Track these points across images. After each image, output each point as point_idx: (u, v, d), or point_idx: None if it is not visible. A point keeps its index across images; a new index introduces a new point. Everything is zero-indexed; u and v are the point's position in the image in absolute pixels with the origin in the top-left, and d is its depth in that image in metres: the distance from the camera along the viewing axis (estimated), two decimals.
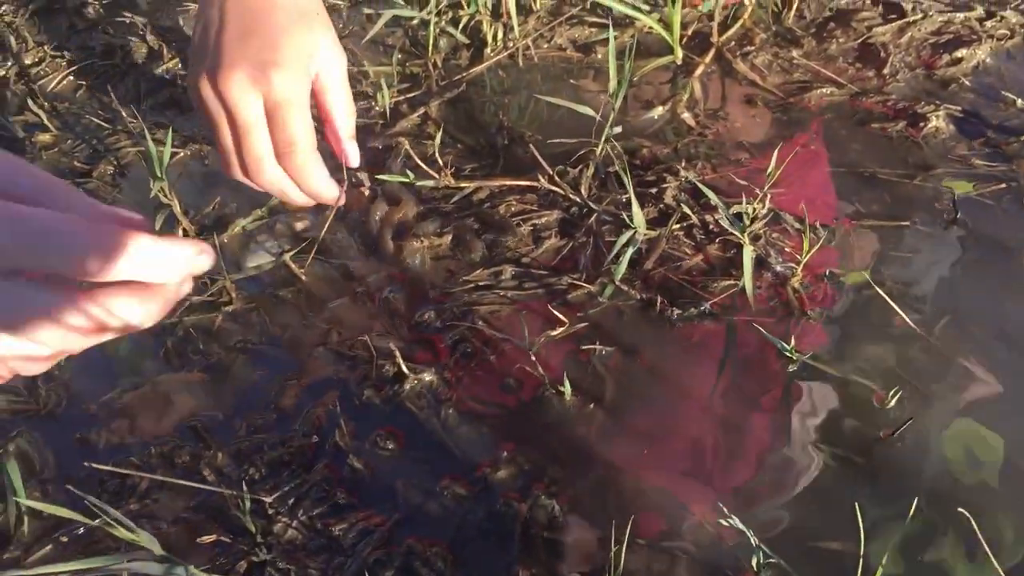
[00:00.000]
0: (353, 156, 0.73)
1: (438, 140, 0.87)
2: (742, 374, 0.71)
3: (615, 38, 1.02)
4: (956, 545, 0.57)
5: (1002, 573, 0.54)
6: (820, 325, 0.72)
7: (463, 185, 0.87)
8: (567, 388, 0.69)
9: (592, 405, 0.69)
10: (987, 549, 0.53)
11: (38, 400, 0.74)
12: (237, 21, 0.68)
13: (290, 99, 0.66)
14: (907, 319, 0.71)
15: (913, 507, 0.53)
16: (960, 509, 0.53)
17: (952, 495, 0.60)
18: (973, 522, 0.52)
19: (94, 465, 0.63)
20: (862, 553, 0.53)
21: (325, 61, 0.69)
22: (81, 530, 0.65)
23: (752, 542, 0.54)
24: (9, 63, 1.11)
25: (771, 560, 0.54)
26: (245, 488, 0.64)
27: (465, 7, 1.05)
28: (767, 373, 0.70)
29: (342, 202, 0.71)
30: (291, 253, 0.82)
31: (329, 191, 0.70)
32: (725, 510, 0.55)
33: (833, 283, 0.75)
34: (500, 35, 1.05)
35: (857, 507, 0.53)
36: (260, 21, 0.67)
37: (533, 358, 0.71)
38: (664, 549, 0.60)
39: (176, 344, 0.77)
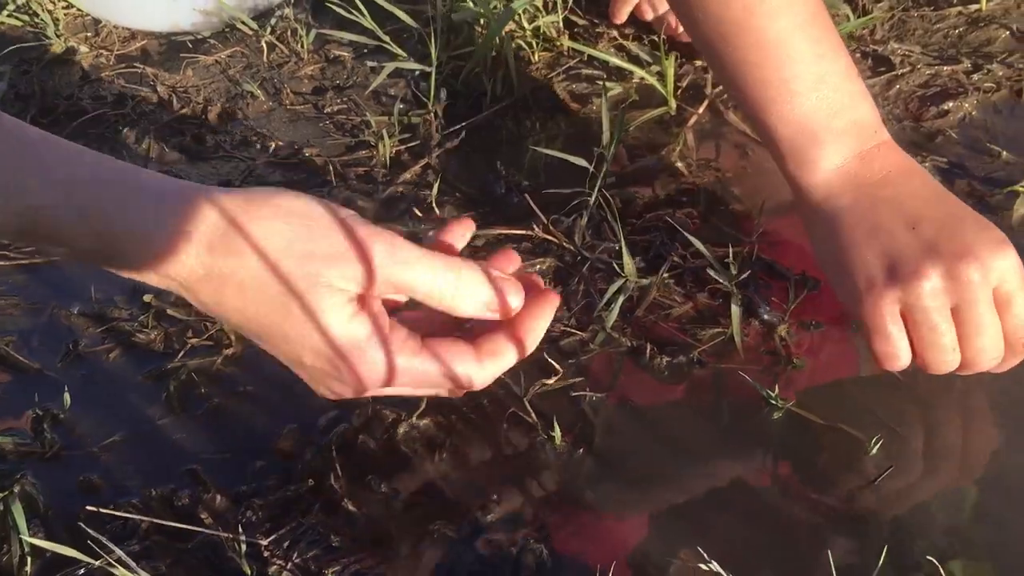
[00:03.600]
0: None
1: (435, 190, 0.89)
2: (728, 421, 0.72)
3: (611, 90, 1.05)
4: None
5: None
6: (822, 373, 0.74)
7: None
8: (557, 433, 0.70)
9: (581, 450, 0.71)
10: None
11: (43, 443, 0.76)
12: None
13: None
14: None
15: (883, 555, 0.54)
16: (929, 557, 0.55)
17: (932, 542, 0.61)
18: (941, 569, 0.54)
19: (97, 509, 0.65)
20: None
21: None
22: (82, 571, 0.67)
23: None
24: (24, 112, 1.15)
25: None
26: (241, 531, 0.65)
27: (466, 60, 1.08)
28: (753, 420, 0.71)
29: None
30: None
31: None
32: (706, 555, 0.56)
33: (818, 331, 0.77)
34: (499, 86, 1.08)
35: (829, 555, 0.54)
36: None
37: (528, 405, 0.73)
38: None
39: (178, 387, 0.79)
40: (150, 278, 0.57)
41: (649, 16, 1.06)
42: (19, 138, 0.56)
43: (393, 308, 0.62)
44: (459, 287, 0.58)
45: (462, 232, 0.68)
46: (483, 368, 0.60)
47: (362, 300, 0.57)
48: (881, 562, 0.56)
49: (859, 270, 0.66)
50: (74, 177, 0.55)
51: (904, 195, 0.69)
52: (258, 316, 0.57)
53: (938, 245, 0.64)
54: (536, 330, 0.62)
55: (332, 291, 0.55)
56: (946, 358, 0.64)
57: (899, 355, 0.65)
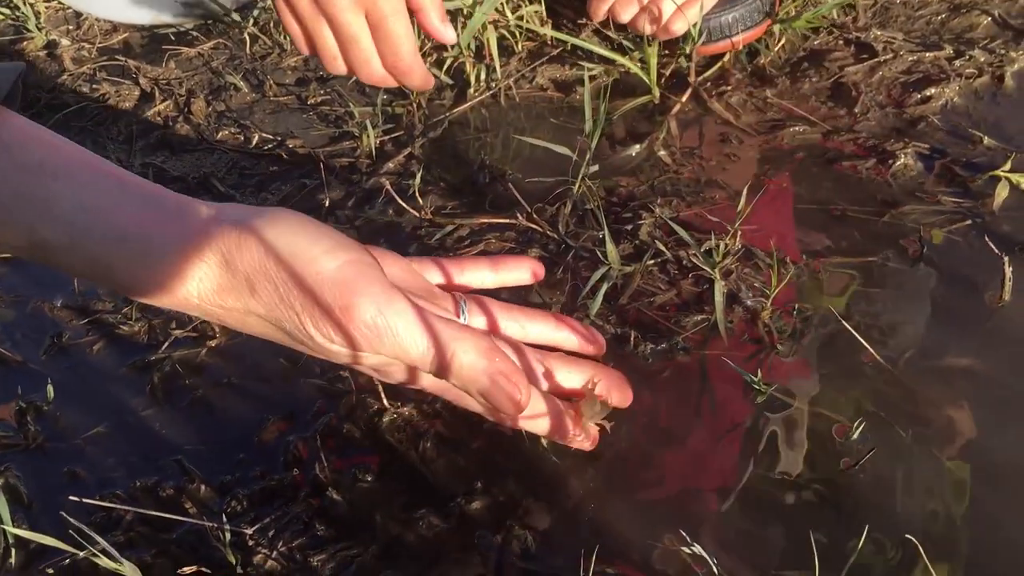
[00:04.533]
0: (449, 35, 0.86)
1: (418, 179, 0.89)
2: (712, 407, 0.72)
3: (595, 78, 1.05)
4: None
5: None
6: (805, 359, 0.74)
7: (444, 223, 0.89)
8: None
9: None
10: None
11: (27, 435, 0.76)
12: None
13: (396, 10, 0.80)
14: (874, 352, 0.72)
15: (863, 535, 0.55)
16: (908, 536, 0.55)
17: (915, 525, 0.61)
18: (921, 548, 0.54)
19: (81, 500, 0.64)
20: None
21: None
22: (67, 561, 0.67)
23: (715, 571, 0.55)
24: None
25: None
26: (225, 520, 0.65)
27: (449, 49, 1.08)
28: (736, 406, 0.72)
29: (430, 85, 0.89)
30: None
31: (428, 83, 0.88)
32: (688, 538, 0.57)
33: (801, 318, 0.77)
34: (483, 76, 1.08)
35: (811, 536, 0.55)
36: None
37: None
38: None
39: (162, 379, 0.79)
40: (165, 308, 0.61)
41: (624, 18, 1.05)
42: (22, 164, 0.56)
43: None
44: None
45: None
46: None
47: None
48: (862, 542, 0.56)
49: None
50: (74, 213, 0.56)
51: None
52: (287, 340, 0.60)
53: None
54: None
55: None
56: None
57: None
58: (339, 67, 0.85)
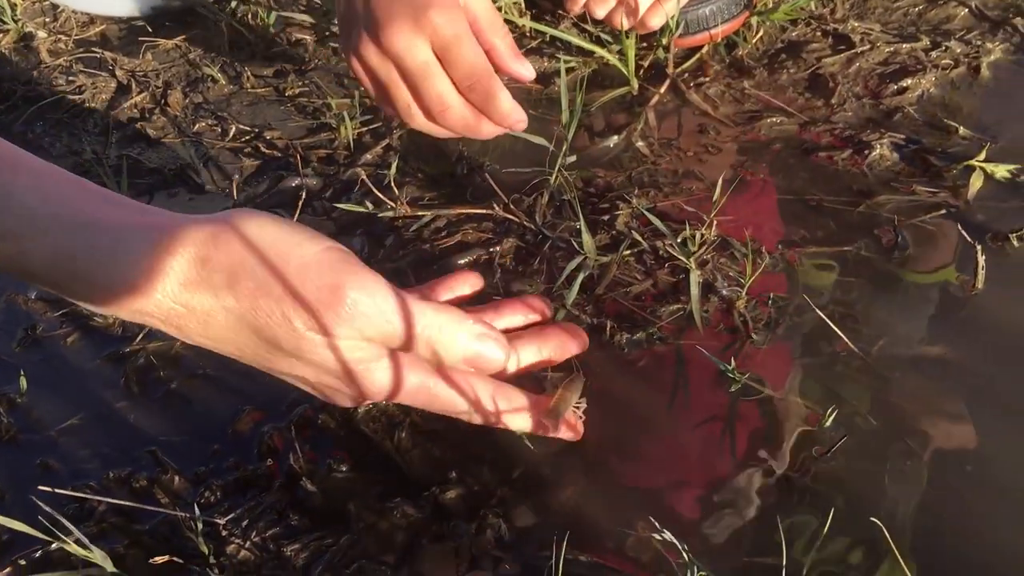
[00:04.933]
0: (527, 72, 0.79)
1: (394, 169, 0.89)
2: (688, 396, 0.73)
3: (573, 70, 1.05)
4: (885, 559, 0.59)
5: None
6: (787, 348, 0.74)
7: (421, 214, 0.89)
8: None
9: None
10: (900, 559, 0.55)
11: (0, 428, 0.75)
12: None
13: (458, 34, 0.71)
14: (848, 341, 0.73)
15: (828, 520, 0.55)
16: (873, 519, 0.56)
17: (882, 511, 0.62)
18: (886, 531, 0.55)
19: (52, 490, 0.64)
20: (784, 564, 0.55)
21: None
22: (39, 552, 0.67)
23: (686, 557, 0.56)
24: None
25: (703, 574, 0.56)
26: (197, 510, 0.65)
27: None
28: (712, 395, 0.72)
29: (524, 125, 0.77)
30: None
31: (518, 112, 0.76)
32: (658, 525, 0.57)
33: (776, 307, 0.77)
34: None
35: (779, 521, 0.55)
36: None
37: None
38: (607, 566, 0.62)
39: (136, 370, 0.79)
40: (123, 314, 0.57)
41: (599, 14, 1.04)
42: None
43: None
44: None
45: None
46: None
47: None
48: (827, 526, 0.57)
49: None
50: (36, 204, 0.54)
51: None
52: (249, 346, 0.58)
53: None
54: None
55: (312, 328, 0.56)
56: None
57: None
58: (419, 119, 0.77)
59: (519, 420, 0.66)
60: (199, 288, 0.56)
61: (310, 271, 0.56)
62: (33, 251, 0.54)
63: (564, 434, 0.67)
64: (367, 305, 0.56)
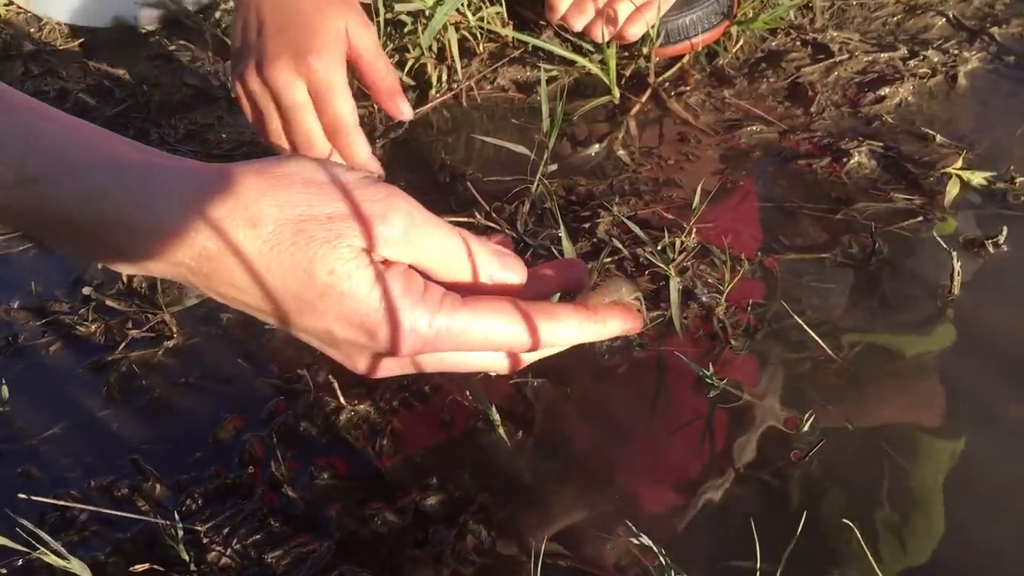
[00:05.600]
0: (405, 111, 0.86)
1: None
2: (668, 402, 0.73)
3: (555, 79, 1.06)
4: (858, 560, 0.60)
5: None
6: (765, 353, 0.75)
7: None
8: (496, 417, 0.71)
9: (521, 433, 0.71)
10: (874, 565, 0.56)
11: None
12: (273, 16, 0.80)
13: (332, 81, 0.78)
14: (824, 346, 0.73)
15: (803, 519, 0.55)
16: (846, 520, 0.56)
17: (856, 513, 0.62)
18: (857, 532, 0.55)
19: (28, 497, 0.64)
20: (758, 567, 0.56)
21: (356, 36, 0.81)
22: (20, 562, 0.66)
23: (663, 561, 0.56)
24: None
25: None
26: (178, 518, 0.65)
27: (411, 50, 1.09)
28: (691, 400, 0.72)
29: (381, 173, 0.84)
30: None
31: (374, 165, 0.84)
32: (635, 529, 0.57)
33: (755, 313, 0.78)
34: (444, 77, 1.08)
35: (752, 525, 0.55)
36: (293, 13, 0.80)
37: (469, 394, 0.73)
38: (587, 571, 0.63)
39: (118, 379, 0.79)
40: (156, 267, 0.53)
41: (577, 27, 1.05)
42: (8, 104, 0.51)
43: None
44: (468, 255, 0.57)
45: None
46: (540, 330, 0.55)
47: (387, 262, 0.54)
48: (801, 526, 0.57)
49: None
50: (68, 145, 0.51)
51: None
52: (278, 289, 0.53)
53: None
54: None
55: (355, 251, 0.52)
56: None
57: None
58: (285, 146, 0.83)
59: (566, 329, 0.57)
60: (235, 221, 0.52)
61: (359, 194, 0.53)
62: (62, 196, 0.50)
63: (620, 326, 0.59)
64: (415, 228, 0.54)
